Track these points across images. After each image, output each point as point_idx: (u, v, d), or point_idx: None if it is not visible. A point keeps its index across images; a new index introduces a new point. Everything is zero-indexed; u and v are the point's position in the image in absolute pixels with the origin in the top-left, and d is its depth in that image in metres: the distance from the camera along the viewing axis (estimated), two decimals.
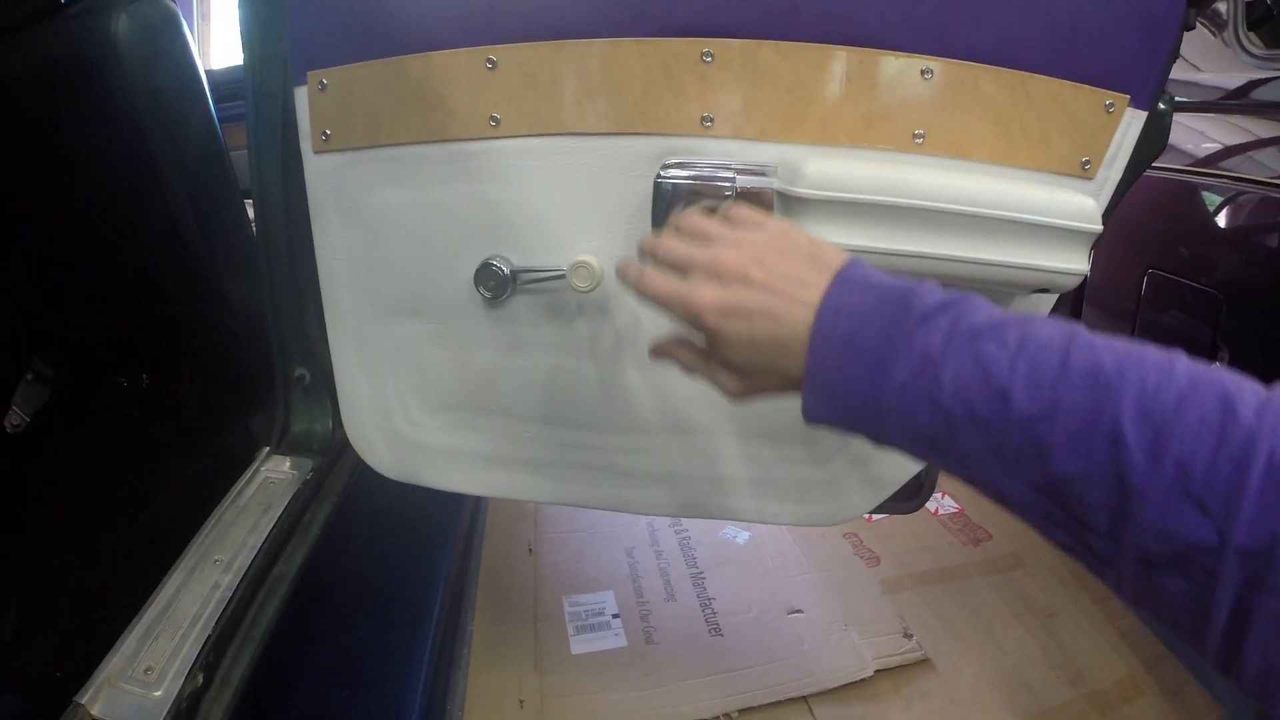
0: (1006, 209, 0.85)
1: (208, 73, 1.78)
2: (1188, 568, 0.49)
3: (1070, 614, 1.86)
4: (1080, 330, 0.57)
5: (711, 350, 0.70)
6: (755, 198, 0.92)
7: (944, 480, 2.35)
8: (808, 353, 0.62)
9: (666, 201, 0.94)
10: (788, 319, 0.63)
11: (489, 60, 0.95)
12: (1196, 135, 2.00)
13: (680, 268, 0.70)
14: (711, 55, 0.90)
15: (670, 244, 0.72)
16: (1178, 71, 0.89)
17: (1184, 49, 1.94)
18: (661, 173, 0.94)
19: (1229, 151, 1.88)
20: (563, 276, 0.96)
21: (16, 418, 1.96)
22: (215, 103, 1.72)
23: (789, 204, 0.86)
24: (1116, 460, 0.51)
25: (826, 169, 0.85)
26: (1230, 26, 2.03)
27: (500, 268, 0.99)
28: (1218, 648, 0.50)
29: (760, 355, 0.66)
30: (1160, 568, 0.51)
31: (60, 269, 1.79)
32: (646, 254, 0.74)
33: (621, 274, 0.75)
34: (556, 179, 0.97)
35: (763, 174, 0.92)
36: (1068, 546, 0.56)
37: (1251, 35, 1.99)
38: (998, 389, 0.55)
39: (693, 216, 0.74)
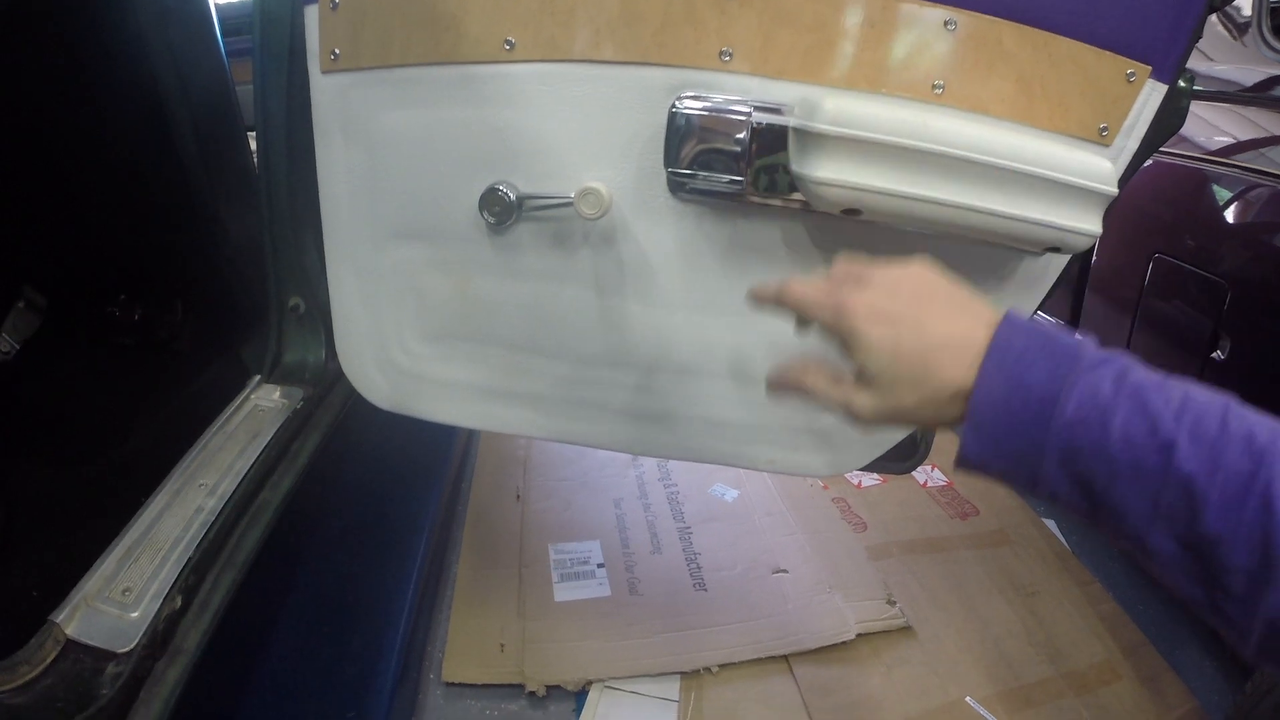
0: (1025, 163, 0.84)
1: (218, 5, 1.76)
2: None
3: (1053, 594, 1.87)
4: (1229, 398, 0.58)
5: (848, 357, 0.67)
6: (768, 134, 0.90)
7: (933, 455, 2.35)
8: (974, 389, 0.61)
9: (680, 133, 0.92)
10: (929, 331, 0.63)
11: None
12: (1209, 128, 1.98)
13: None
14: None
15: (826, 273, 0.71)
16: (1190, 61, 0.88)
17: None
18: (676, 103, 0.92)
19: (1241, 146, 1.87)
20: (570, 203, 0.95)
21: (5, 345, 1.93)
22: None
23: (805, 140, 0.85)
24: (1266, 524, 0.52)
25: (846, 106, 0.83)
26: (1254, 23, 2.01)
27: (506, 193, 0.97)
28: None
29: (901, 365, 0.64)
30: None
31: (56, 192, 1.76)
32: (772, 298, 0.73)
33: (758, 293, 0.73)
34: (569, 106, 0.96)
35: (779, 112, 0.90)
36: (1197, 602, 0.57)
37: (1275, 32, 1.97)
38: (1164, 441, 0.55)
39: (846, 260, 0.71)
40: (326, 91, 1.05)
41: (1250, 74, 1.97)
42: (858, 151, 0.83)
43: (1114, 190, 0.86)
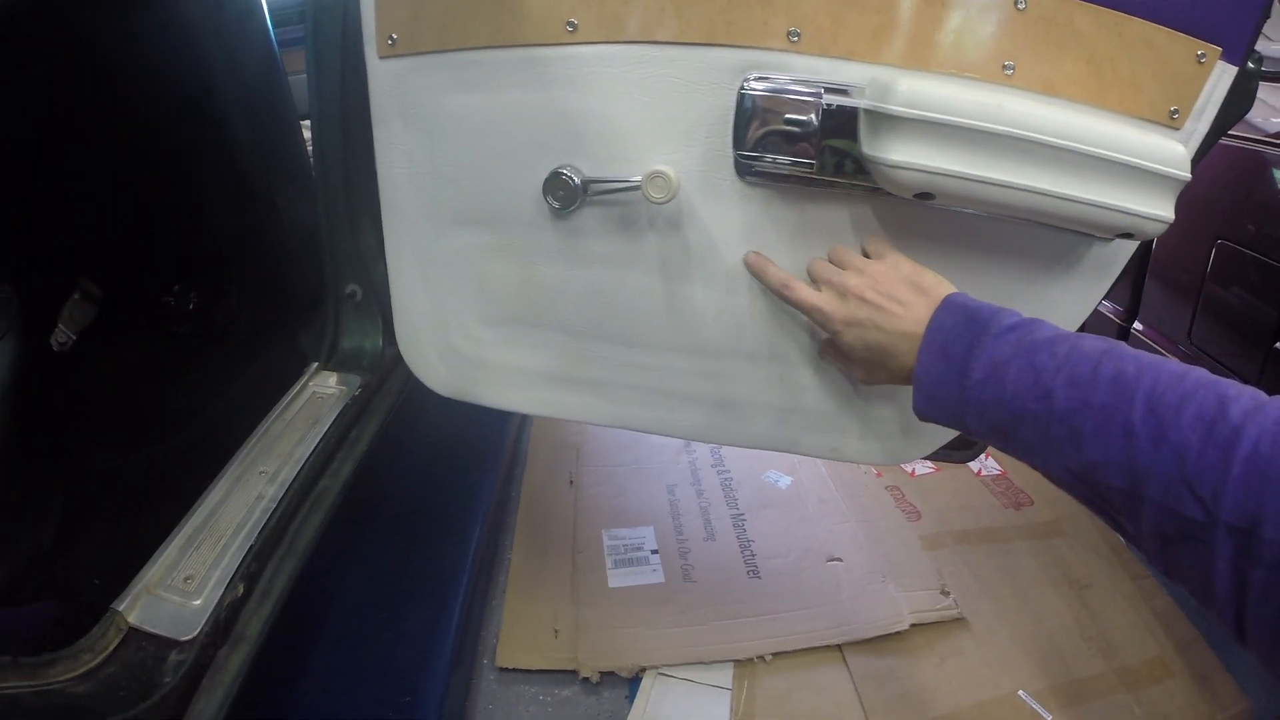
0: (1100, 146, 0.83)
1: None
2: (1192, 542, 0.59)
3: (1106, 588, 1.83)
4: (1119, 345, 0.70)
5: (839, 348, 0.92)
6: (839, 116, 0.89)
7: None
8: (915, 361, 0.81)
9: (749, 114, 0.91)
10: (889, 329, 0.85)
11: None
12: (1268, 109, 1.94)
13: (818, 280, 0.92)
14: None
15: (817, 263, 0.94)
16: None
17: None
18: (745, 84, 0.91)
19: None
20: (636, 188, 0.94)
21: (63, 336, 1.95)
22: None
23: (877, 122, 0.84)
24: (1128, 447, 0.63)
25: (920, 87, 0.82)
26: None
27: (571, 177, 0.96)
28: (1229, 615, 0.59)
29: (872, 354, 0.88)
30: (1172, 542, 0.61)
31: (109, 183, 1.78)
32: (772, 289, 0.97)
33: (760, 270, 0.97)
34: (634, 88, 0.95)
35: (847, 93, 0.89)
36: (1109, 524, 0.69)
37: None
38: (1044, 389, 0.70)
39: (836, 247, 0.95)
40: (384, 77, 1.04)
41: None
42: (931, 134, 0.82)
43: (1187, 175, 0.85)
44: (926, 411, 0.82)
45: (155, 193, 1.79)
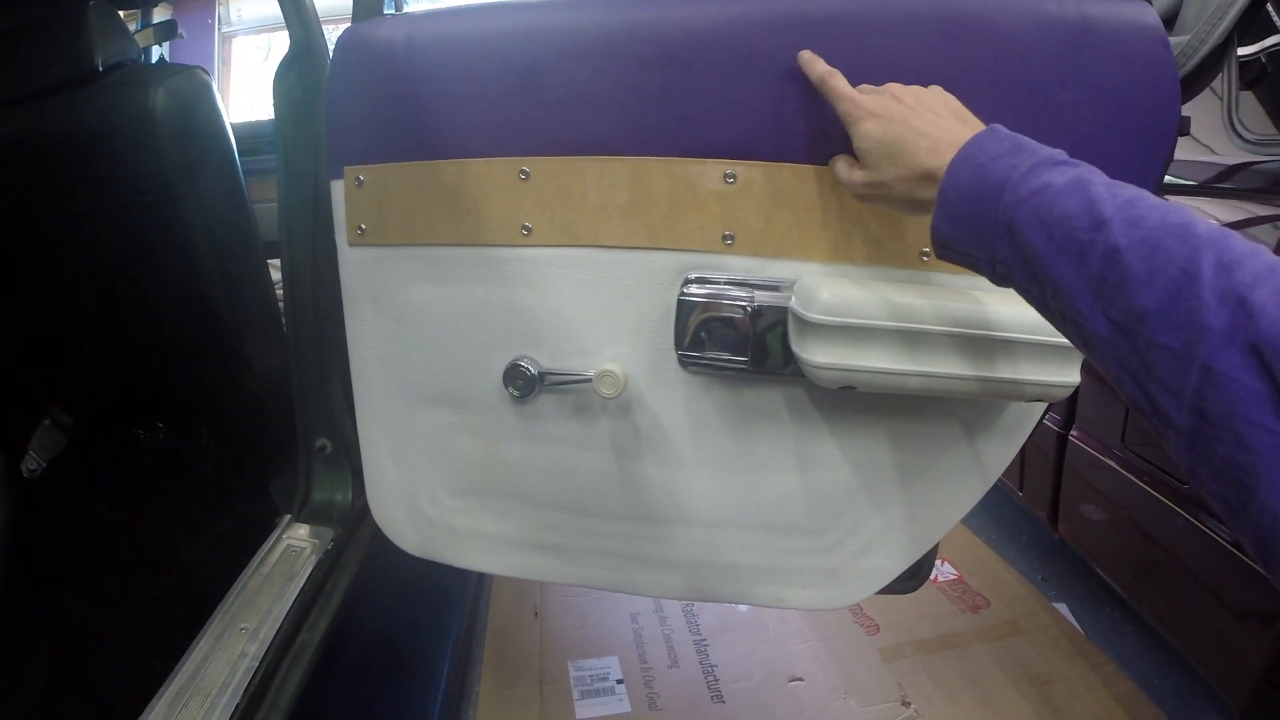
0: (1007, 329, 0.90)
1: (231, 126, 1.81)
2: (1239, 423, 0.50)
3: (1067, 680, 1.88)
4: (1189, 209, 0.60)
5: (855, 146, 0.83)
6: (769, 315, 0.97)
7: (943, 547, 2.38)
8: (944, 175, 0.72)
9: (688, 318, 0.99)
10: (918, 126, 0.77)
11: (522, 171, 1.00)
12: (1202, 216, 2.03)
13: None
14: (734, 176, 0.96)
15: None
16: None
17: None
18: (684, 290, 0.99)
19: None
20: (589, 381, 1.01)
21: (33, 462, 1.98)
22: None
23: (803, 326, 0.91)
24: (1190, 296, 0.53)
25: (840, 295, 0.90)
26: (1224, 112, 2.07)
27: (528, 369, 1.04)
28: (1257, 533, 0.50)
29: (883, 146, 0.79)
30: (1214, 424, 0.52)
31: (85, 322, 1.83)
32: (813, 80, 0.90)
33: (808, 64, 0.89)
34: (585, 288, 1.03)
35: (778, 289, 0.97)
36: (1137, 402, 0.59)
37: (1243, 120, 2.03)
38: (1098, 219, 0.60)
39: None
40: (354, 263, 1.12)
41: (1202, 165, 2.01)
42: (851, 336, 0.89)
43: None
44: (947, 234, 0.72)
45: (129, 333, 1.84)
